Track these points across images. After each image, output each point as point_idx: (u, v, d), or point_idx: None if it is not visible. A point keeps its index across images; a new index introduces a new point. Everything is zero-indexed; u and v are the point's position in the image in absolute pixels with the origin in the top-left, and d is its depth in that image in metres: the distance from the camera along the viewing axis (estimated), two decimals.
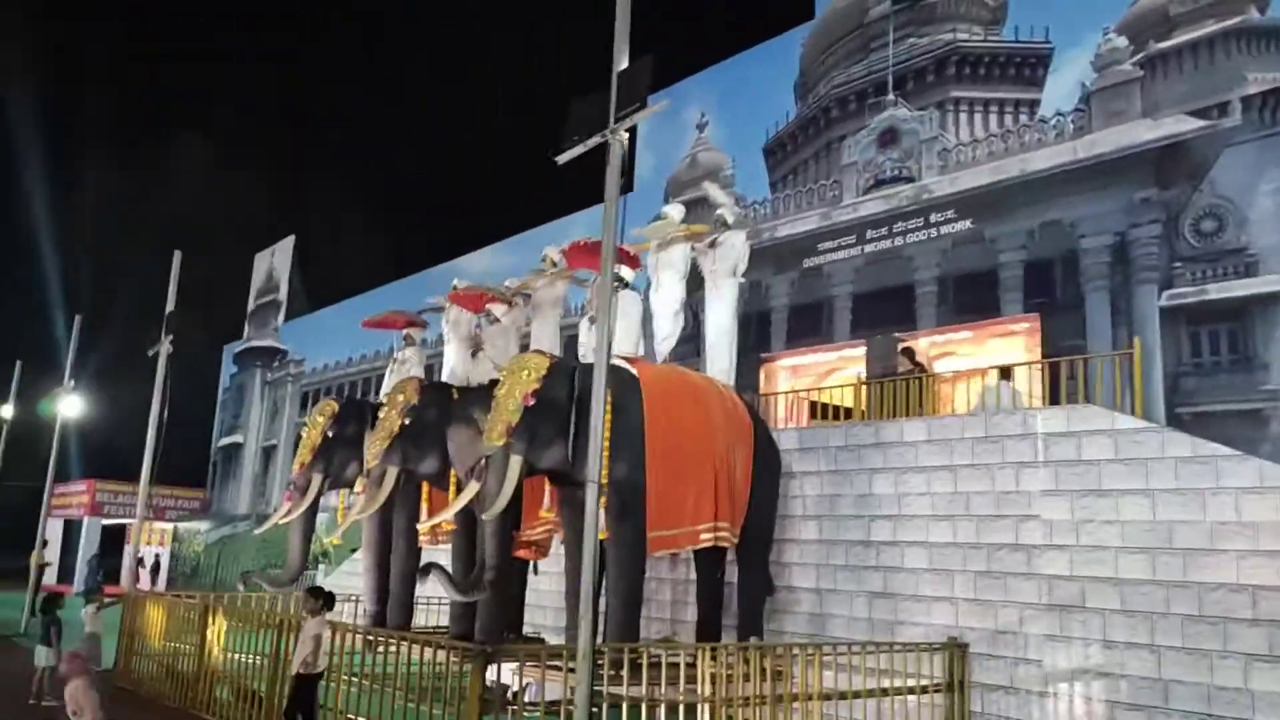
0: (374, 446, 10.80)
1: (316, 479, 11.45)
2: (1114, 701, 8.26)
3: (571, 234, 16.86)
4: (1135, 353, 9.75)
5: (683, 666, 7.89)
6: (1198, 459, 8.28)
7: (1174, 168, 12.93)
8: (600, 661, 7.21)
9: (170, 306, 14.31)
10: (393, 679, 7.93)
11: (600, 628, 10.21)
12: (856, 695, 8.76)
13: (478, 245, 25.76)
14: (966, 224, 15.00)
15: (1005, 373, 11.27)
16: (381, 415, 11.04)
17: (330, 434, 11.58)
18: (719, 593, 10.60)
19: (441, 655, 7.72)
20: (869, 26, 17.37)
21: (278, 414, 34.17)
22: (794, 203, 17.88)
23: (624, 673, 7.59)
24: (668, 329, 10.88)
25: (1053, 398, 11.64)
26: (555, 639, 11.62)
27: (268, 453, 34.04)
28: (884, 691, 8.81)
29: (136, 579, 26.90)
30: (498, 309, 12.13)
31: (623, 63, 7.03)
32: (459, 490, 10.36)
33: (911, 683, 8.89)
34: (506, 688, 7.63)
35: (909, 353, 12.31)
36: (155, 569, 30.11)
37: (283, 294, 35.51)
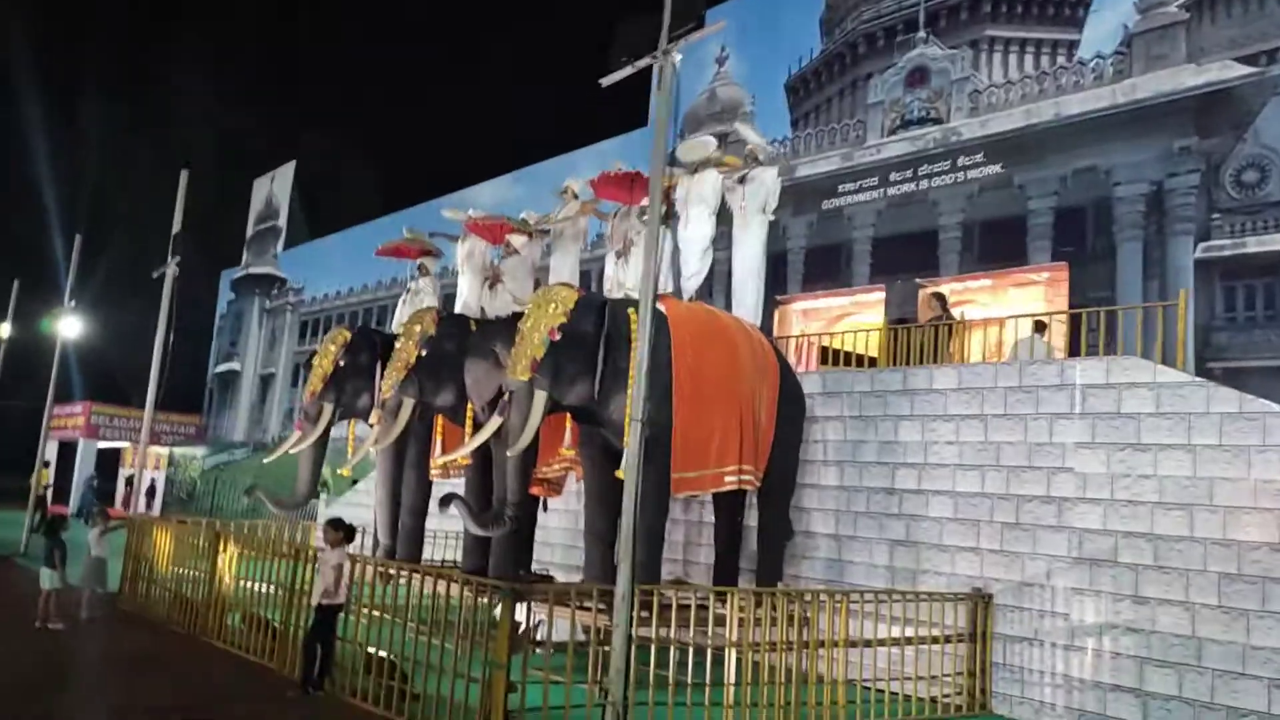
0: (390, 377, 10.56)
1: (327, 408, 11.26)
2: (1143, 658, 8.15)
3: (580, 168, 16.43)
4: (1181, 304, 9.48)
5: (694, 609, 7.73)
6: (1244, 415, 8.06)
7: (1217, 116, 12.51)
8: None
9: (177, 227, 13.89)
10: (415, 613, 7.76)
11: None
12: (882, 643, 8.67)
13: (483, 177, 25.20)
14: (995, 168, 14.59)
15: (1039, 326, 11.01)
16: (398, 346, 10.78)
17: (342, 363, 11.35)
18: (738, 536, 10.47)
19: (465, 592, 7.55)
20: None
21: (276, 342, 33.81)
22: (815, 142, 17.41)
23: (652, 615, 7.42)
24: (695, 265, 10.54)
25: (1073, 350, 11.43)
26: (563, 577, 11.52)
27: (265, 381, 33.76)
28: (909, 640, 8.72)
29: (128, 502, 26.87)
30: (517, 240, 11.77)
31: None
32: (475, 425, 10.15)
33: (936, 632, 8.80)
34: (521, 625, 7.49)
35: (941, 299, 12.01)
36: (150, 493, 30.00)
37: (282, 221, 34.90)
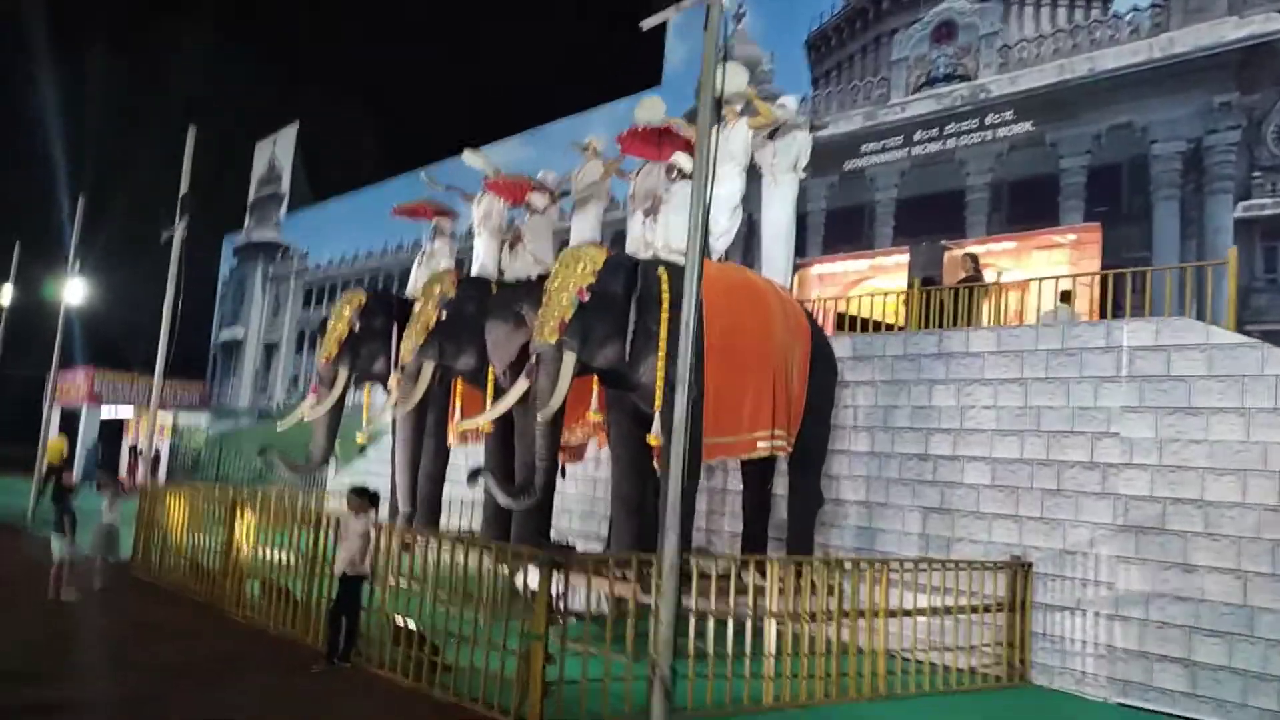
0: (409, 340, 10.28)
1: (343, 372, 11.03)
2: (1192, 627, 7.92)
3: (593, 128, 16.01)
4: (1231, 263, 9.14)
5: (714, 577, 7.46)
6: None
7: (1259, 70, 12.12)
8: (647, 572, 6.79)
9: (184, 188, 13.47)
10: (444, 583, 7.50)
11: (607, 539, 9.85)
12: (921, 613, 8.45)
13: (493, 138, 24.70)
14: (1026, 126, 14.19)
15: (1065, 296, 10.67)
16: (417, 308, 10.49)
17: (357, 327, 11.08)
18: (767, 505, 10.22)
19: (498, 563, 7.30)
20: None
21: (280, 310, 33.46)
22: (836, 101, 16.98)
23: (691, 585, 7.15)
24: (725, 224, 10.15)
25: (1102, 312, 11.10)
26: (581, 546, 11.28)
27: (270, 349, 33.45)
28: (947, 610, 8.49)
29: (133, 469, 26.62)
30: (538, 200, 11.40)
31: None
32: (497, 389, 9.86)
33: (974, 601, 8.57)
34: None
35: (974, 259, 11.65)
36: (155, 461, 29.78)
37: (285, 186, 34.41)
